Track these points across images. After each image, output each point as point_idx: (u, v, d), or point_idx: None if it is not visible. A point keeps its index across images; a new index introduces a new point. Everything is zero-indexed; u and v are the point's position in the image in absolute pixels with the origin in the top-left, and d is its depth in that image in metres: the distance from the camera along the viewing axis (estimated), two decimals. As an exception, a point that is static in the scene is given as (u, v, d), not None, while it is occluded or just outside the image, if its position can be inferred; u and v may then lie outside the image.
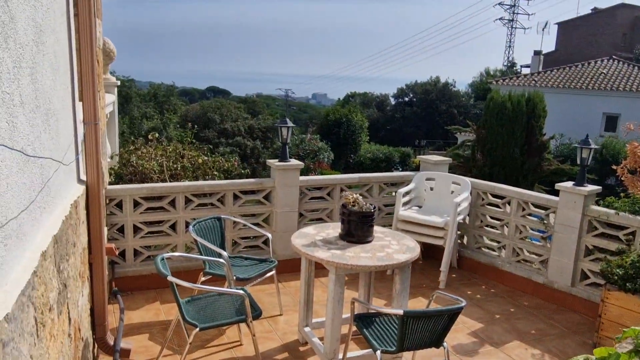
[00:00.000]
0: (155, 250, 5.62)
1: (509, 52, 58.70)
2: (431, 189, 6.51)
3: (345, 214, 4.26)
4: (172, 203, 5.56)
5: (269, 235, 5.09)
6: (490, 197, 6.27)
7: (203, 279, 4.83)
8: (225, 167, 6.27)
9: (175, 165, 5.85)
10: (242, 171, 6.54)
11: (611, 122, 28.04)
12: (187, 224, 5.66)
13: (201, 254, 4.81)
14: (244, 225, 5.71)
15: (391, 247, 4.19)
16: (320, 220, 6.35)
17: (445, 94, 54.84)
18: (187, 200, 5.60)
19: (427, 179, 6.54)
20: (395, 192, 6.65)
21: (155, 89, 38.62)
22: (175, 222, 5.59)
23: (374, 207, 4.32)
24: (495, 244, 6.29)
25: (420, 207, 6.51)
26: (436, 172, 6.57)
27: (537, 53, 37.63)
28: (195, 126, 6.49)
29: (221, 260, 4.40)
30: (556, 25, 51.40)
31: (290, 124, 5.91)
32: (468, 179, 6.27)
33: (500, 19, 56.79)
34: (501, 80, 32.30)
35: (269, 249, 6.07)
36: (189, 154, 6.22)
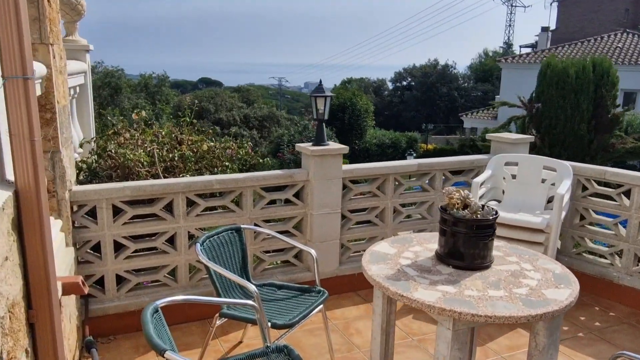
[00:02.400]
0: (147, 275, 3.99)
1: (509, 32, 57.05)
2: (512, 177, 4.90)
3: (449, 222, 2.64)
4: (169, 208, 3.93)
5: (313, 253, 3.45)
6: (596, 186, 4.68)
7: (218, 322, 3.22)
8: (240, 154, 4.62)
9: (171, 155, 4.21)
10: (261, 160, 4.88)
11: (628, 98, 26.48)
12: (190, 236, 4.04)
13: (214, 284, 3.20)
14: (268, 235, 4.11)
15: (530, 277, 2.57)
16: (368, 223, 4.74)
17: (446, 77, 53.21)
18: (190, 203, 3.97)
19: (507, 164, 4.93)
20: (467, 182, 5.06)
21: (147, 79, 36.80)
22: (175, 235, 3.96)
23: (495, 212, 2.70)
24: (604, 248, 4.71)
25: (498, 201, 4.90)
26: (519, 154, 4.96)
27: (544, 29, 35.97)
28: (196, 101, 4.74)
29: (250, 302, 2.77)
30: (556, 3, 49.82)
31: (328, 92, 4.27)
32: (567, 163, 4.65)
33: (500, -3, 54.91)
34: (510, 59, 30.68)
35: (303, 265, 4.46)
36: (188, 139, 4.57)
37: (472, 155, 5.13)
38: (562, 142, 8.42)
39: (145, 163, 3.95)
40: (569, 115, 8.37)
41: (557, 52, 29.35)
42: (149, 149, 4.10)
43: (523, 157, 4.86)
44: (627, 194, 4.45)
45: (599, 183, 4.72)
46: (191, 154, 4.21)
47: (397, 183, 4.74)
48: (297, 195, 4.38)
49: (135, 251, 3.90)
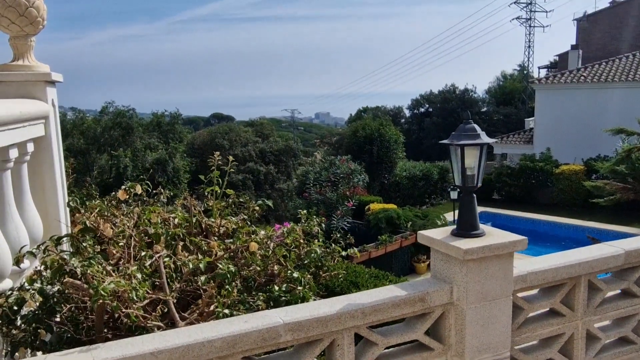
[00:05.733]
0: None
1: (528, 53, 55.48)
2: None
3: None
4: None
5: None
6: None
7: None
8: (298, 246, 2.58)
9: (191, 265, 2.19)
10: (343, 253, 2.82)
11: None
12: None
13: None
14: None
15: None
16: (551, 366, 2.65)
17: (466, 101, 51.55)
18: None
19: None
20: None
21: (159, 118, 35.56)
22: None
23: None
24: None
25: None
26: None
27: (574, 47, 33.96)
28: (230, 158, 2.68)
29: None
30: (574, 22, 48.40)
31: (485, 138, 2.26)
32: None
33: (517, 18, 53.57)
34: (544, 80, 28.75)
35: None
36: (220, 226, 2.56)
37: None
38: None
39: (141, 294, 1.94)
40: None
41: (594, 70, 27.41)
42: (148, 262, 2.09)
43: None
44: None
45: None
46: (230, 266, 2.18)
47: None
48: (430, 330, 2.34)
49: None
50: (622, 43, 40.41)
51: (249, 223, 2.67)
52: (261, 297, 2.28)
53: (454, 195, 18.69)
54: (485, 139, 2.23)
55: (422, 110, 55.25)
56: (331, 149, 29.52)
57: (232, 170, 2.94)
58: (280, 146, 37.27)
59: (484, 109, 52.43)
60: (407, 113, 57.69)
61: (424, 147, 47.91)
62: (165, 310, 2.21)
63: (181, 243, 2.53)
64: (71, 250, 2.30)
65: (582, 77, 26.56)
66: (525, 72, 53.15)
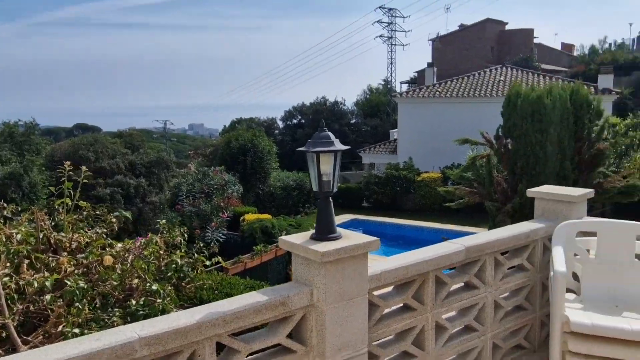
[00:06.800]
0: None
1: (391, 69, 59.30)
2: (589, 253, 3.32)
3: None
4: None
5: None
6: None
7: None
8: (155, 256, 2.51)
9: (36, 284, 2.02)
10: (207, 262, 2.79)
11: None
12: None
13: None
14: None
15: None
16: (407, 357, 2.85)
17: (336, 113, 53.58)
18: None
19: (580, 235, 3.34)
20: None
21: (11, 128, 32.08)
22: None
23: None
24: None
25: (574, 292, 3.28)
26: (598, 219, 3.40)
27: (430, 65, 37.04)
28: (84, 169, 2.53)
29: None
30: (430, 42, 53.04)
31: (338, 145, 2.39)
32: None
33: (380, 36, 57.10)
34: (404, 94, 30.98)
35: None
36: (72, 241, 2.40)
37: (525, 225, 3.46)
38: (544, 184, 7.21)
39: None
40: (550, 152, 7.18)
41: (447, 86, 30.07)
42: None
43: (605, 224, 3.30)
44: None
45: None
46: (80, 282, 2.05)
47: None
48: (293, 333, 2.40)
49: None
50: (470, 62, 44.89)
51: (104, 236, 2.52)
52: (117, 313, 2.17)
53: (326, 203, 19.33)
54: (339, 146, 2.36)
55: (295, 121, 56.34)
56: (206, 160, 28.94)
57: (94, 182, 2.78)
58: (151, 158, 35.68)
59: (353, 121, 54.86)
60: (280, 124, 58.42)
61: (297, 157, 48.88)
62: (5, 335, 2.02)
63: (26, 261, 2.32)
64: None
65: (437, 92, 29.02)
66: (389, 86, 56.67)
